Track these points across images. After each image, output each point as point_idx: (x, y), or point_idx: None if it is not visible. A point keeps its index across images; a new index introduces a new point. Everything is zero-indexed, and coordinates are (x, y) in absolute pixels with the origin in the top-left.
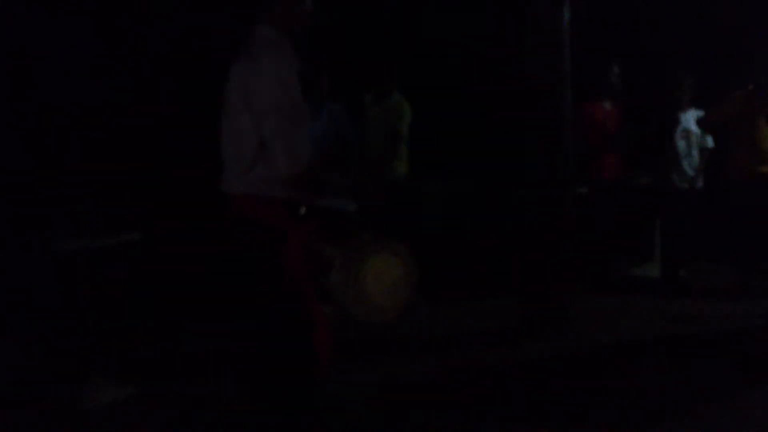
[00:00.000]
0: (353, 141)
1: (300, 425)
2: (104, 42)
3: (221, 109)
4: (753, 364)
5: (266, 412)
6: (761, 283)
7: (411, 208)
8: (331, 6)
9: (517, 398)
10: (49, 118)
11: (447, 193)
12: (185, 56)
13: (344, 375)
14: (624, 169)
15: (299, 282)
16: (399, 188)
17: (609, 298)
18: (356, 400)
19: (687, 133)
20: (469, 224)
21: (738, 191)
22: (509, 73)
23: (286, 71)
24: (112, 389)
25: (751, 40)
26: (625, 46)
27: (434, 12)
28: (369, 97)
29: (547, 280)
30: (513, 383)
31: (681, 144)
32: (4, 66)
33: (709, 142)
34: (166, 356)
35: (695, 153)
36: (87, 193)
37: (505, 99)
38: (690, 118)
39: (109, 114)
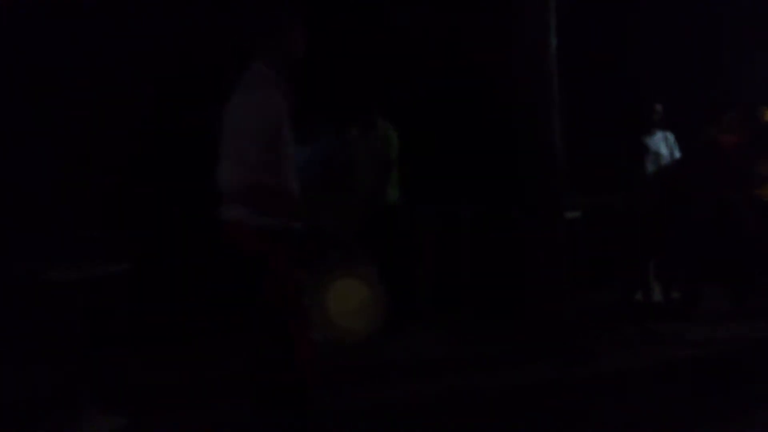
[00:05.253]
0: (345, 168)
1: None
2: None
3: (219, 139)
4: (752, 386)
5: None
6: (756, 303)
7: (405, 232)
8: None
9: (514, 422)
10: (42, 149)
11: (440, 217)
12: (184, 88)
13: (343, 399)
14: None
15: (280, 307)
16: (393, 213)
17: (606, 322)
18: (355, 424)
19: (656, 156)
20: (463, 247)
21: (732, 211)
22: (499, 99)
23: (276, 102)
24: (106, 419)
25: (728, 61)
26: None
27: (424, 37)
28: (354, 132)
29: (542, 304)
30: (508, 407)
31: (651, 168)
32: None
33: None
34: (160, 385)
35: None
36: (80, 223)
37: (497, 123)
38: (659, 141)
39: (103, 144)
